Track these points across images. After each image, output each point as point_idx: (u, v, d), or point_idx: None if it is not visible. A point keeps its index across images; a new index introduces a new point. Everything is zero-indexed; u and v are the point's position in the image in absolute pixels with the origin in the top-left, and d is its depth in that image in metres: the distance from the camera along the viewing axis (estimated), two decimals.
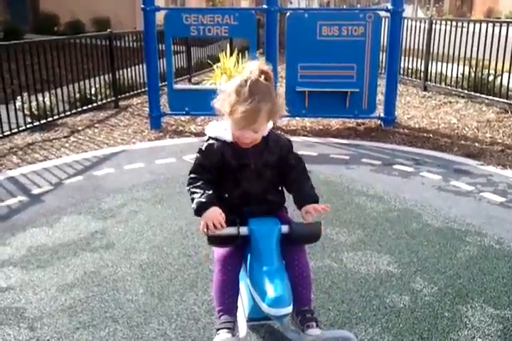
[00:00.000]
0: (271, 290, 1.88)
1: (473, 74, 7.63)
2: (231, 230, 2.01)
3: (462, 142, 5.67)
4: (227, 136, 2.06)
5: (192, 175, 2.10)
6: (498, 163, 4.95)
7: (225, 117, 2.03)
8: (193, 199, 2.03)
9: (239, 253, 2.09)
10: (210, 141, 2.11)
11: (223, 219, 1.97)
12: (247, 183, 2.10)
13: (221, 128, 2.08)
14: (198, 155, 2.12)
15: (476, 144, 5.58)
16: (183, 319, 2.53)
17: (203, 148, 2.11)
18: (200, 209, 1.98)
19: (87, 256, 3.17)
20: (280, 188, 2.24)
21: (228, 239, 2.02)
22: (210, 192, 2.01)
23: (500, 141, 5.71)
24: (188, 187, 2.09)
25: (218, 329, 2.01)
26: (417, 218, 3.69)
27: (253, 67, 2.00)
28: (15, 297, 2.73)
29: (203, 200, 1.98)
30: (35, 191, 4.26)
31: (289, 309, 1.88)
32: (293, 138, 2.22)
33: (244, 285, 2.20)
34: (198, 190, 2.02)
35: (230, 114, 1.97)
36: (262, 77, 1.98)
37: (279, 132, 2.23)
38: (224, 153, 2.06)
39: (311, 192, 2.13)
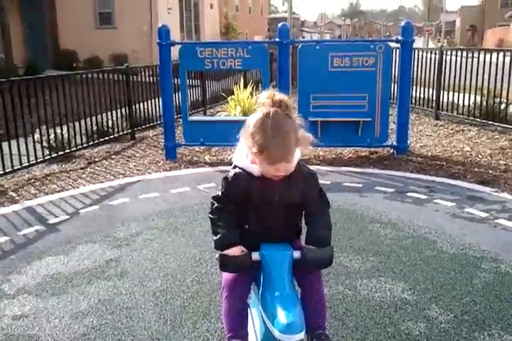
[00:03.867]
0: (283, 315, 1.86)
1: (485, 103, 7.66)
2: (243, 255, 2.02)
3: (476, 169, 5.65)
4: (254, 170, 1.99)
5: (217, 205, 2.08)
6: None
7: (249, 154, 1.95)
8: (216, 232, 2.05)
9: (246, 279, 2.09)
10: (237, 170, 2.05)
11: None
12: (269, 219, 2.08)
13: (247, 159, 2.01)
14: (224, 184, 2.07)
15: (490, 171, 5.55)
16: None
17: (229, 178, 2.05)
18: (224, 246, 2.01)
19: (102, 284, 3.19)
20: (299, 224, 2.22)
21: (240, 264, 2.03)
22: (236, 229, 2.05)
23: None
24: (212, 216, 2.08)
25: None
26: (432, 245, 3.66)
27: (266, 98, 1.94)
28: (28, 324, 2.75)
29: (230, 239, 2.01)
30: (52, 221, 4.32)
31: (301, 335, 1.86)
32: None
33: (256, 311, 2.19)
34: (224, 225, 2.04)
35: (259, 153, 1.87)
36: (279, 106, 1.92)
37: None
38: (250, 186, 2.02)
39: (321, 235, 2.07)
